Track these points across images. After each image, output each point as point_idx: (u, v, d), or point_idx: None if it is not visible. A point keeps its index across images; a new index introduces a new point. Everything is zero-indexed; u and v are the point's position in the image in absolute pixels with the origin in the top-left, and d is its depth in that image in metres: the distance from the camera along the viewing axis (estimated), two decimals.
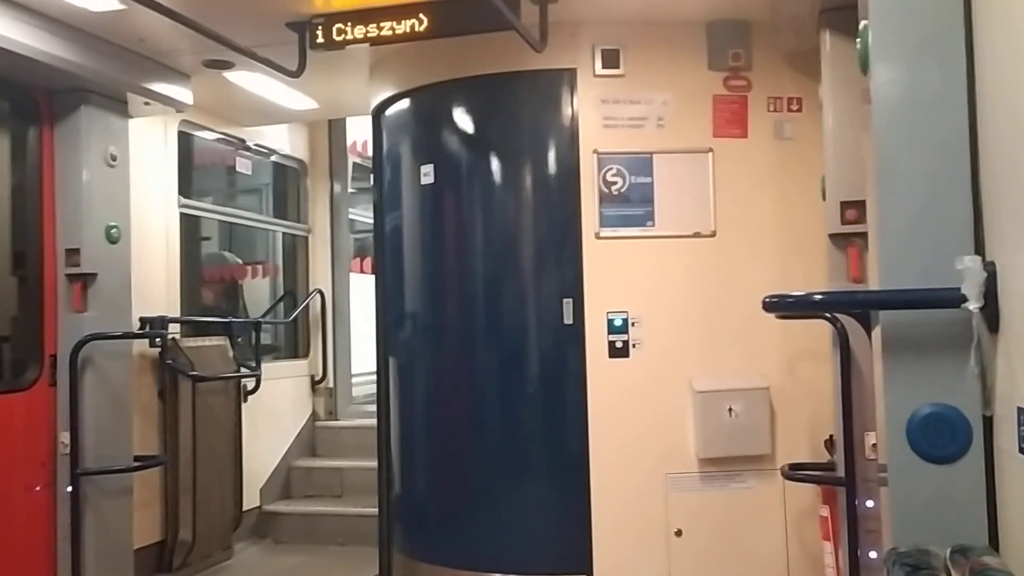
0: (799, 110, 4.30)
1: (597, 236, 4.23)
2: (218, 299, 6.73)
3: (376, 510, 4.97)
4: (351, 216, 7.68)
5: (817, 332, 3.63)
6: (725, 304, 4.20)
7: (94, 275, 4.52)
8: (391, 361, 4.88)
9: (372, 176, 5.20)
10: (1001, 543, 1.91)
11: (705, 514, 4.18)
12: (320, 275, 7.10)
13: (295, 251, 7.08)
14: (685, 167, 4.27)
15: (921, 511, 1.99)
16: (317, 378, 6.99)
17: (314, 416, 6.96)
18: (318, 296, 7.02)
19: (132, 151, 4.82)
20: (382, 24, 3.96)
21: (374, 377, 5.10)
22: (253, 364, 6.01)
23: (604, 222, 4.24)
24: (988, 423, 1.95)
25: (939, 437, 1.97)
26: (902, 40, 2.07)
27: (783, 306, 2.89)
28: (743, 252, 4.24)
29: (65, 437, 4.42)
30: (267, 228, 7.04)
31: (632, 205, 4.25)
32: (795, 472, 3.80)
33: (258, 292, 7.18)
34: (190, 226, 5.96)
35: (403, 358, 4.83)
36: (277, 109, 5.63)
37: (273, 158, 6.79)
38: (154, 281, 5.26)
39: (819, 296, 3.32)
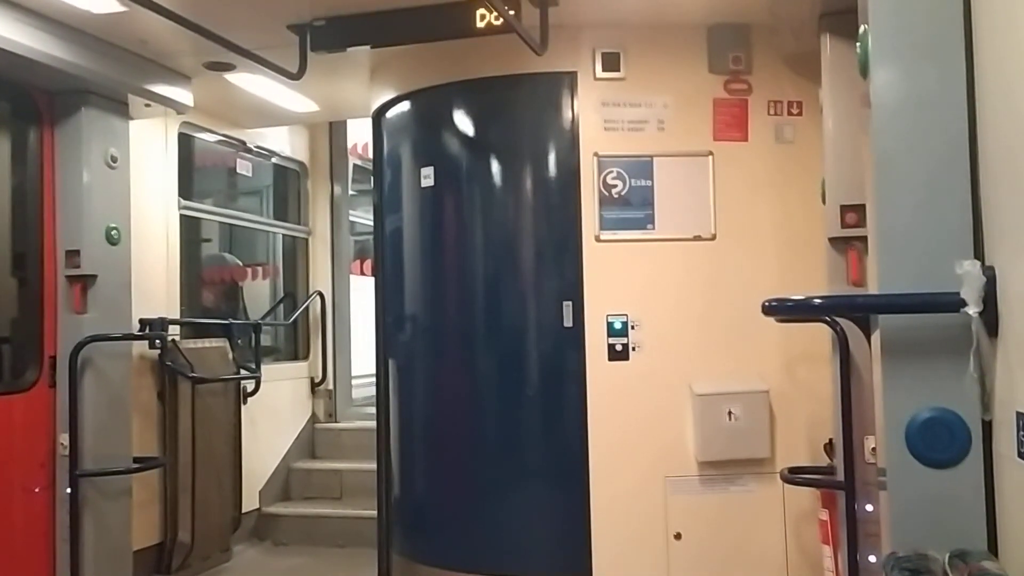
0: (799, 113, 4.30)
1: (597, 239, 4.24)
2: (218, 301, 6.73)
3: (375, 512, 4.97)
4: (351, 218, 7.68)
5: (817, 336, 3.63)
6: (725, 307, 4.20)
7: (94, 276, 4.52)
8: (391, 363, 4.88)
9: (372, 178, 5.20)
10: (1000, 547, 1.91)
11: (704, 517, 4.17)
12: (320, 277, 7.10)
13: (295, 253, 7.08)
14: (685, 170, 4.27)
15: (920, 515, 1.99)
16: (317, 380, 6.98)
17: (314, 418, 6.96)
18: (318, 298, 7.02)
19: (133, 153, 4.82)
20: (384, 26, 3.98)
21: (374, 379, 5.10)
22: (253, 366, 6.00)
23: (604, 225, 4.24)
24: (987, 427, 1.95)
25: (938, 441, 1.97)
26: (902, 44, 2.08)
27: (782, 310, 2.90)
28: (743, 255, 4.24)
29: (64, 438, 4.42)
30: (267, 230, 7.03)
31: (632, 208, 4.25)
32: (794, 475, 3.80)
33: (258, 294, 7.17)
34: (190, 228, 5.96)
35: (403, 360, 4.83)
36: (278, 111, 5.63)
37: (273, 160, 6.79)
38: (154, 283, 5.26)
39: (818, 300, 3.31)
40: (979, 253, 1.96)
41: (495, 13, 3.76)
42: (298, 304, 6.96)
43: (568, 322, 4.24)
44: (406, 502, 4.81)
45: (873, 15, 2.10)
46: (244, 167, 6.46)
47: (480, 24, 3.88)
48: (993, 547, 1.93)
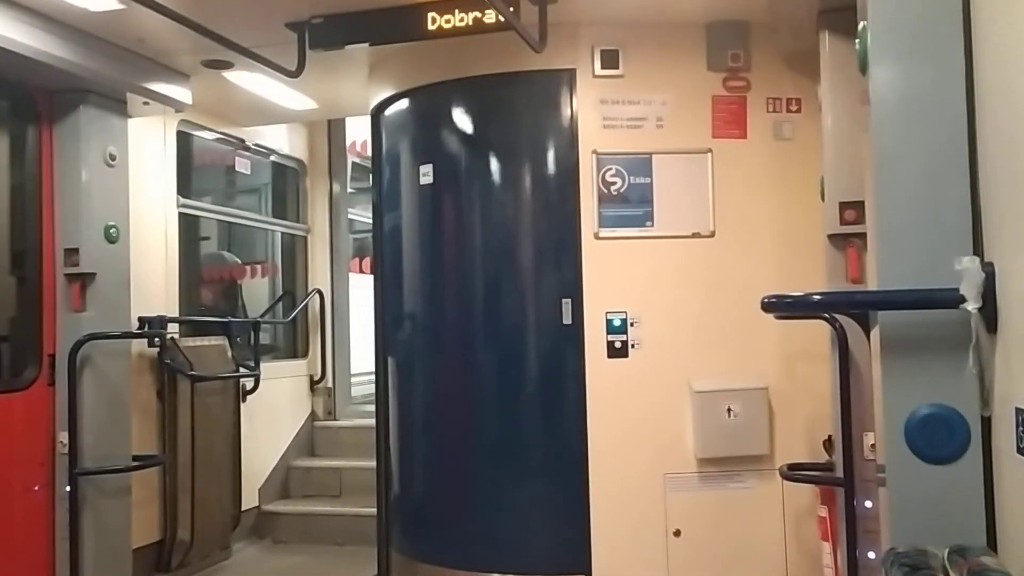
0: (798, 111, 4.30)
1: (596, 236, 4.24)
2: (217, 299, 6.73)
3: (375, 510, 4.97)
4: (350, 216, 7.68)
5: (816, 332, 3.63)
6: (724, 304, 4.20)
7: (93, 275, 4.52)
8: (390, 361, 4.88)
9: (371, 176, 5.20)
10: (999, 543, 1.92)
11: (704, 514, 4.18)
12: (319, 275, 7.10)
13: (294, 251, 7.08)
14: (684, 167, 4.28)
15: (919, 511, 2.00)
16: (316, 378, 6.98)
17: (313, 416, 6.96)
18: (317, 296, 7.01)
19: (131, 151, 4.82)
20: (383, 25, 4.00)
21: (373, 377, 5.10)
22: (252, 364, 6.00)
23: (603, 222, 4.24)
24: (986, 423, 1.95)
25: (937, 437, 1.98)
26: (900, 41, 2.08)
27: (781, 306, 2.89)
28: (742, 252, 4.24)
29: (64, 437, 4.41)
30: (266, 228, 7.03)
31: (631, 205, 4.26)
32: (794, 472, 3.80)
33: (257, 292, 7.17)
34: (189, 226, 5.95)
35: (402, 358, 4.83)
36: (276, 109, 5.63)
37: (272, 158, 6.78)
38: (153, 281, 5.26)
39: (817, 296, 3.31)
40: (978, 249, 1.96)
41: (494, 11, 3.76)
42: (297, 302, 6.95)
43: (567, 319, 4.24)
44: (405, 500, 4.82)
45: (872, 12, 2.10)
46: (243, 165, 6.45)
47: (453, 24, 3.90)
48: (992, 543, 1.93)
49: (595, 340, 4.22)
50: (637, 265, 4.25)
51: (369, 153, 5.29)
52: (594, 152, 4.26)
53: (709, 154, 4.28)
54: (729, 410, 4.14)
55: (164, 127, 5.43)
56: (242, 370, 5.87)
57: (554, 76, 4.31)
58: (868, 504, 3.30)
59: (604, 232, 4.24)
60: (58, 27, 4.07)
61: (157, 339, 5.05)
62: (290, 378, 6.77)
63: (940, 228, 2.00)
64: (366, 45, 4.32)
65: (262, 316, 6.69)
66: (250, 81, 5.04)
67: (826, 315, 3.37)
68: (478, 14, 3.86)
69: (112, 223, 4.61)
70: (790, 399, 4.20)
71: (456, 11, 3.89)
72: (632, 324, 4.22)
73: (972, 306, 1.83)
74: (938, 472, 1.98)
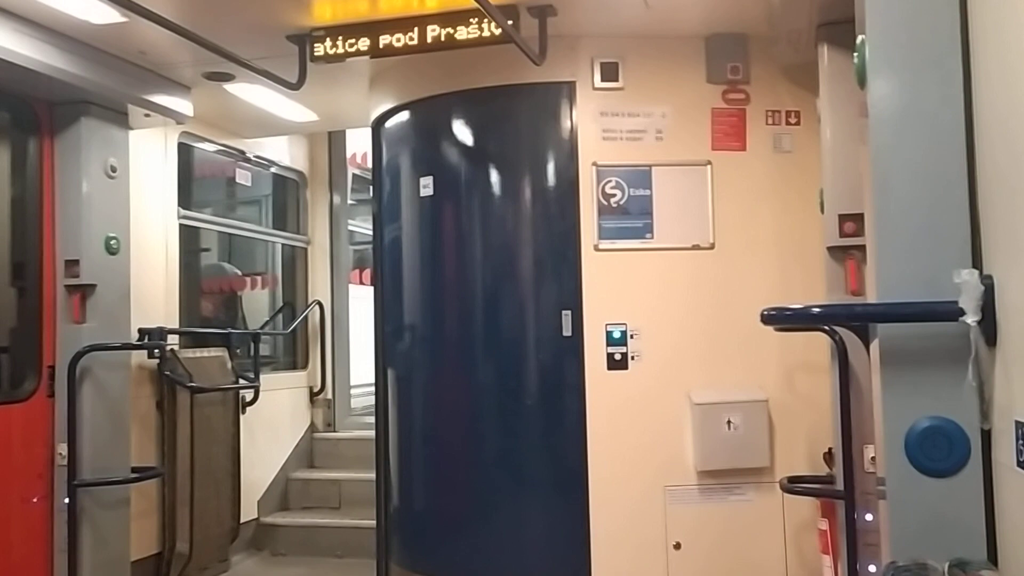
0: (797, 123, 4.31)
1: (596, 248, 4.24)
2: (217, 310, 6.73)
3: (374, 522, 4.96)
4: (350, 228, 7.69)
5: (816, 344, 3.63)
6: (724, 316, 4.20)
7: (93, 286, 4.53)
8: (390, 373, 4.88)
9: (371, 188, 5.21)
10: (999, 557, 1.91)
11: (704, 527, 4.17)
12: (319, 286, 7.10)
13: (294, 262, 7.08)
14: (684, 180, 4.28)
15: (920, 524, 1.99)
16: (316, 389, 6.98)
17: (312, 428, 6.95)
18: (317, 307, 7.02)
19: (132, 163, 4.83)
20: (382, 36, 4.01)
21: (372, 389, 5.09)
22: (252, 375, 6.00)
23: (603, 234, 4.24)
24: (986, 436, 1.95)
25: (937, 450, 1.97)
26: (899, 54, 2.08)
27: (781, 319, 2.89)
28: (742, 264, 4.24)
29: (63, 448, 4.41)
30: (266, 239, 7.05)
31: (631, 217, 4.26)
32: (794, 485, 3.80)
33: (257, 303, 7.17)
34: (189, 237, 5.96)
35: (402, 370, 4.83)
36: (277, 121, 5.64)
37: (273, 170, 6.80)
38: (153, 292, 5.26)
39: (817, 309, 3.30)
40: (977, 262, 1.96)
41: (493, 24, 3.78)
42: (297, 313, 6.95)
43: (567, 331, 4.24)
44: (405, 512, 4.80)
45: (870, 25, 2.10)
46: (243, 177, 6.47)
47: (472, 35, 3.91)
48: (993, 556, 1.92)
49: (595, 352, 4.22)
50: (637, 277, 4.25)
51: (369, 165, 5.30)
52: (594, 164, 4.26)
53: (709, 166, 4.29)
54: (729, 422, 4.13)
55: (165, 139, 5.44)
56: (242, 382, 5.86)
57: (554, 88, 4.32)
58: (868, 517, 3.29)
59: (604, 244, 4.24)
60: (60, 39, 4.09)
61: (157, 351, 5.06)
62: (290, 390, 6.76)
63: (939, 241, 2.00)
64: (367, 57, 4.33)
65: (262, 328, 6.69)
66: (251, 93, 5.06)
67: (826, 327, 3.37)
68: (477, 27, 3.87)
69: (113, 235, 4.62)
70: (790, 411, 4.19)
71: (456, 24, 3.90)
72: (632, 336, 4.21)
73: (971, 319, 1.83)
74: (938, 485, 1.97)
